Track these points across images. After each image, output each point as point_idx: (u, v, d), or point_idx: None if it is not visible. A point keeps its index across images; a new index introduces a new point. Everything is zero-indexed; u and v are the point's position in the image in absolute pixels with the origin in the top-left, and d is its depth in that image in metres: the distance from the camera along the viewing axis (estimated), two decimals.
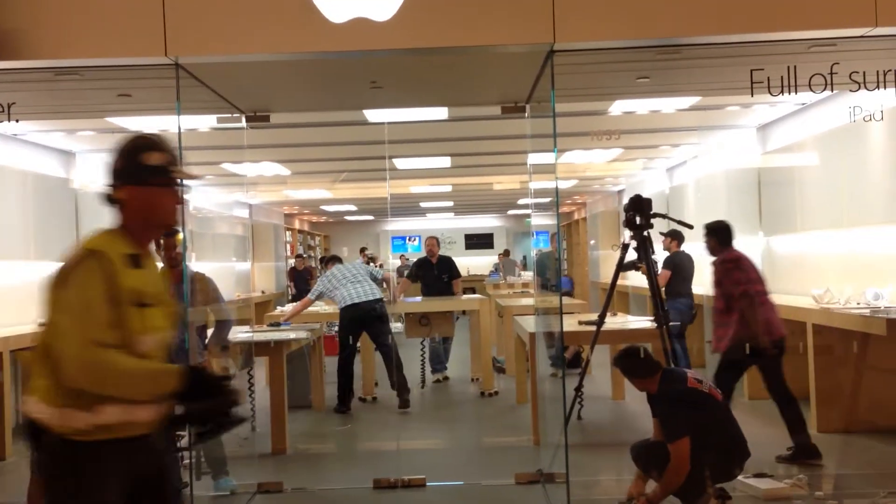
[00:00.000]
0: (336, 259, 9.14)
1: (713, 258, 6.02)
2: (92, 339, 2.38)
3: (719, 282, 5.93)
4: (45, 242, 8.42)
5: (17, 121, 4.92)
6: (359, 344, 10.30)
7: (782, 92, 4.64)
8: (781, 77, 4.65)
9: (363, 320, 8.31)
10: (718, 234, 6.05)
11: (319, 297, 8.71)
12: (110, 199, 2.60)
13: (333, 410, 8.18)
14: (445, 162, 10.78)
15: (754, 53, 4.66)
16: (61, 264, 2.50)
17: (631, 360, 4.71)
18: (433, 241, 9.88)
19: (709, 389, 4.65)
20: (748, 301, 5.79)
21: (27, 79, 4.86)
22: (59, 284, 2.46)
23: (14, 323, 7.50)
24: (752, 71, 4.67)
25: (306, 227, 21.94)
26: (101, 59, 4.59)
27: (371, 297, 8.36)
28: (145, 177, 2.58)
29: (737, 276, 5.87)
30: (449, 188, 14.74)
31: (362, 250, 18.65)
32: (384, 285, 8.90)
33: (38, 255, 8.23)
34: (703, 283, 8.52)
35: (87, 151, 8.92)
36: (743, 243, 9.15)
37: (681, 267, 8.26)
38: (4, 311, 7.47)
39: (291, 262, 18.63)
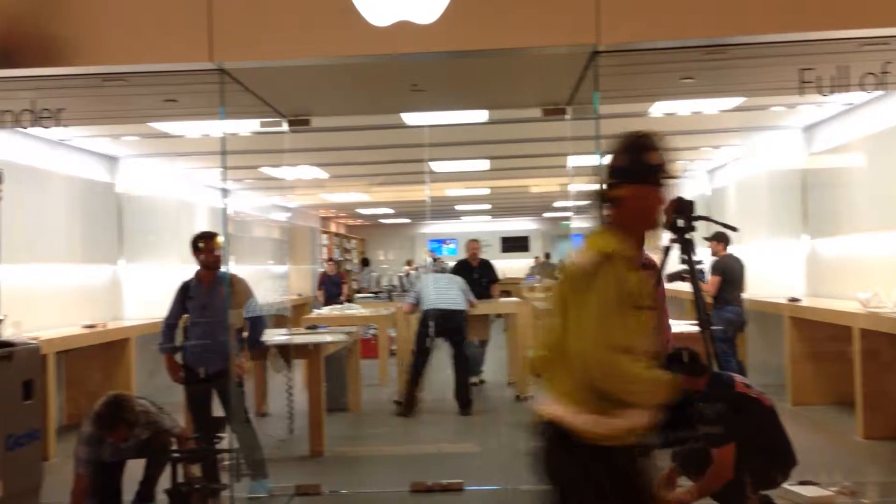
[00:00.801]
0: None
1: None
2: (609, 342, 2.41)
3: None
4: (90, 246, 8.55)
5: (65, 126, 4.98)
6: (393, 346, 10.35)
7: (833, 92, 4.55)
8: (831, 76, 4.56)
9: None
10: None
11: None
12: (606, 198, 2.60)
13: (396, 413, 8.17)
14: (484, 165, 10.75)
15: (804, 53, 4.57)
16: (575, 267, 2.53)
17: (678, 362, 4.64)
18: (476, 245, 9.77)
19: (757, 394, 4.57)
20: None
21: (75, 84, 4.93)
22: (580, 288, 2.48)
23: (59, 325, 7.62)
24: (801, 70, 4.59)
25: (342, 231, 22.04)
26: (148, 64, 4.64)
27: (453, 306, 8.30)
28: (648, 175, 2.57)
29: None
30: (486, 191, 14.70)
31: (435, 259, 18.57)
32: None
33: (83, 259, 8.35)
34: (754, 285, 8.41)
35: (131, 156, 9.04)
36: (786, 246, 9.06)
37: (731, 271, 8.08)
38: (50, 313, 7.58)
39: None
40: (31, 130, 5.76)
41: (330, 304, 13.00)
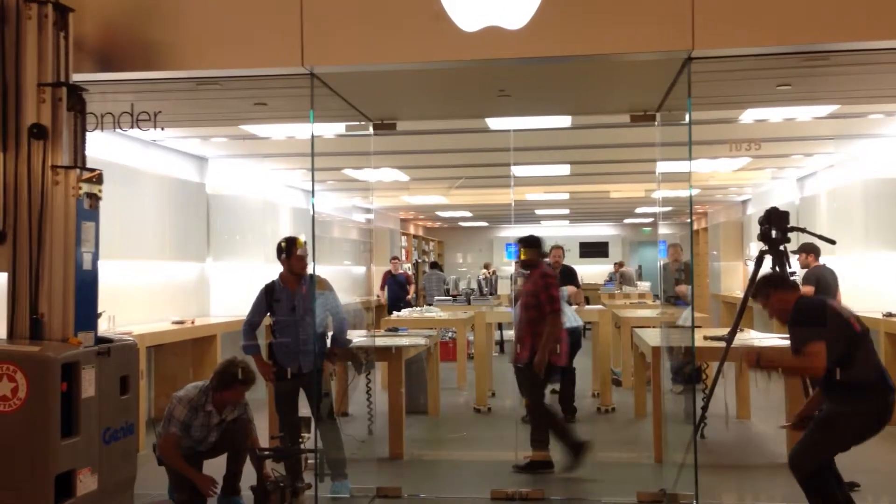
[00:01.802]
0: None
1: (527, 271, 6.51)
2: None
3: (536, 293, 6.27)
4: (180, 244, 8.79)
5: (162, 128, 5.13)
6: (470, 351, 10.30)
7: None
8: None
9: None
10: (541, 247, 6.52)
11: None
12: None
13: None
14: (565, 170, 10.66)
15: None
16: None
17: (772, 277, 4.64)
18: (559, 252, 9.58)
19: (848, 316, 4.41)
20: (556, 317, 6.23)
21: (171, 88, 5.08)
22: None
23: (150, 320, 7.85)
24: None
25: (421, 233, 22.16)
26: (241, 69, 4.74)
27: (576, 324, 8.25)
28: None
29: (553, 292, 6.27)
30: (566, 196, 14.58)
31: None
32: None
33: (173, 256, 8.59)
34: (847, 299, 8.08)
35: (219, 157, 9.27)
36: (881, 258, 8.71)
37: (824, 282, 7.76)
38: (142, 308, 7.82)
39: (408, 266, 18.11)
40: (126, 131, 5.94)
41: (395, 308, 12.64)
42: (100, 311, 4.29)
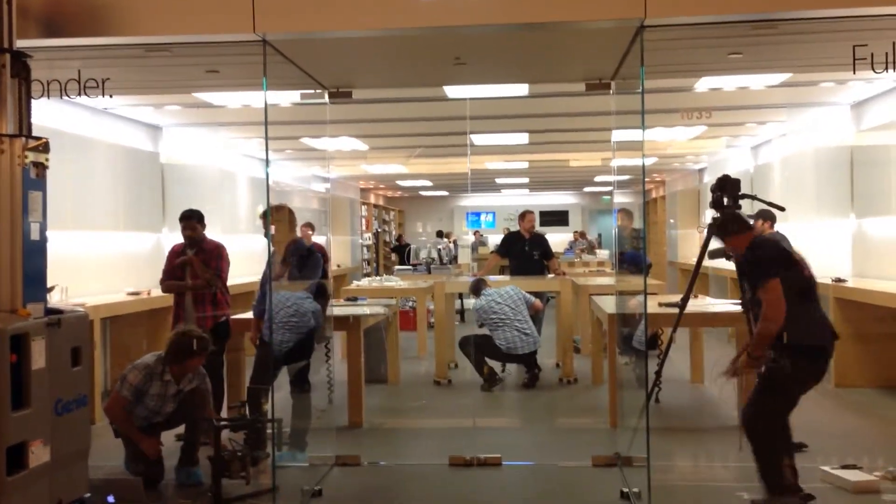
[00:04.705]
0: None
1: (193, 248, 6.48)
2: None
3: (206, 263, 6.42)
4: (134, 214, 8.67)
5: (110, 96, 5.03)
6: (431, 320, 10.36)
7: (886, 69, 4.42)
8: (886, 53, 4.43)
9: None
10: (202, 220, 6.53)
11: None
12: None
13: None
14: (523, 138, 10.68)
15: (857, 28, 4.44)
16: None
17: (727, 219, 4.70)
18: (532, 217, 9.52)
19: (799, 259, 4.57)
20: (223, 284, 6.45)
21: (120, 55, 4.97)
22: None
23: (104, 291, 7.76)
24: (854, 47, 4.46)
25: (381, 202, 22.10)
26: (192, 35, 4.64)
27: (532, 349, 8.18)
28: None
29: (223, 263, 6.46)
30: (525, 164, 14.62)
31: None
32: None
33: (126, 226, 8.48)
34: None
35: (174, 126, 9.12)
36: (831, 225, 8.89)
37: None
38: (95, 280, 7.72)
39: (368, 236, 17.67)
40: (75, 98, 5.83)
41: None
42: (52, 284, 4.23)
